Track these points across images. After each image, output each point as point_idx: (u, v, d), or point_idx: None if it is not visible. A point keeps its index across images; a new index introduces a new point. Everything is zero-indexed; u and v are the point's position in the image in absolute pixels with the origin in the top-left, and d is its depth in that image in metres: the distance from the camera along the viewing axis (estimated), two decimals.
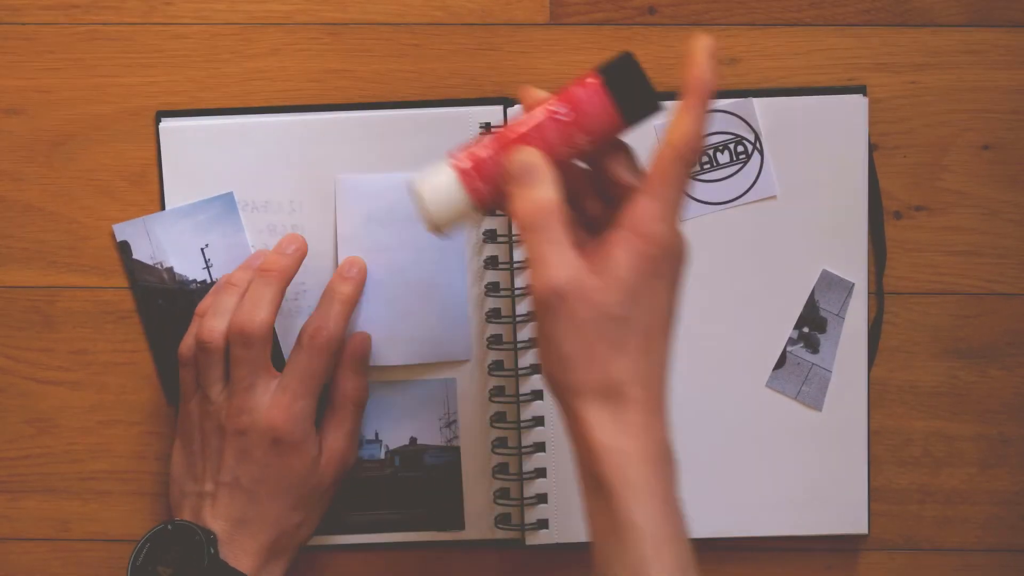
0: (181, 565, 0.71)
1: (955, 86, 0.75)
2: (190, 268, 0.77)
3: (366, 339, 0.76)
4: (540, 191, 0.59)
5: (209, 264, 0.77)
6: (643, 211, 0.59)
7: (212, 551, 0.70)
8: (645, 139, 0.75)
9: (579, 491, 0.61)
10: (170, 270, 0.77)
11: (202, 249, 0.76)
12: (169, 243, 0.76)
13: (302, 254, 0.75)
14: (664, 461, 0.60)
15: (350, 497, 0.78)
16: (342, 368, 0.75)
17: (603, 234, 0.60)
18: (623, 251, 0.59)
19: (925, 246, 0.77)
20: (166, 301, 0.77)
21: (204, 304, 0.74)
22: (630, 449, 0.59)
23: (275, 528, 0.73)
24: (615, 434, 0.59)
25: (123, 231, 0.77)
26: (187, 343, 0.74)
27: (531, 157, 0.60)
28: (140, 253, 0.77)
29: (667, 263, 0.60)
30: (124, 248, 0.77)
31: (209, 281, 0.76)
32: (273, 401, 0.72)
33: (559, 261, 0.58)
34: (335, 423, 0.75)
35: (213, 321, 0.72)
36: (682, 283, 0.62)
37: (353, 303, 0.74)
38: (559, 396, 0.61)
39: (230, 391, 0.72)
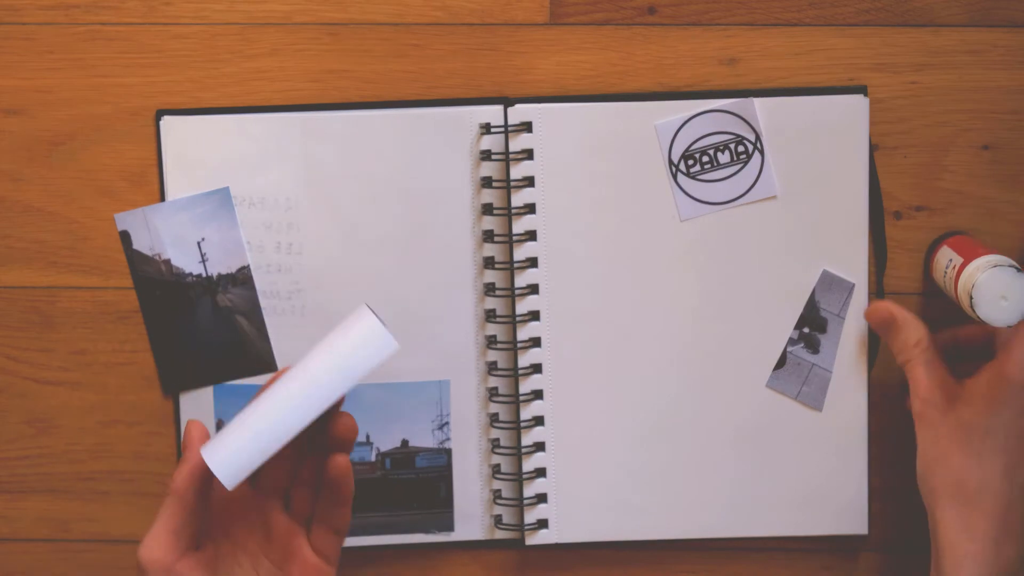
0: None
1: (955, 86, 0.75)
2: (187, 261, 0.77)
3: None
4: (904, 334, 0.71)
5: (205, 258, 0.77)
6: (1018, 351, 0.68)
7: None
8: (649, 142, 0.75)
9: None
10: (168, 262, 0.77)
11: (198, 243, 0.77)
12: (167, 235, 0.77)
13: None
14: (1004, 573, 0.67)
15: None
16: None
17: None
18: (988, 372, 0.68)
19: (925, 246, 0.77)
20: (164, 293, 0.77)
21: None
22: (971, 552, 0.67)
23: None
24: (959, 534, 0.68)
25: (124, 220, 0.77)
26: None
27: (884, 313, 0.72)
28: (140, 243, 0.77)
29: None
30: (125, 238, 0.77)
31: (204, 275, 0.77)
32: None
33: (925, 379, 0.70)
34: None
35: None
36: None
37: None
38: (923, 495, 0.70)
39: None
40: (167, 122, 0.76)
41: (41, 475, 0.79)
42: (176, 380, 0.78)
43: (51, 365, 0.79)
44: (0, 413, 0.79)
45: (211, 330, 0.77)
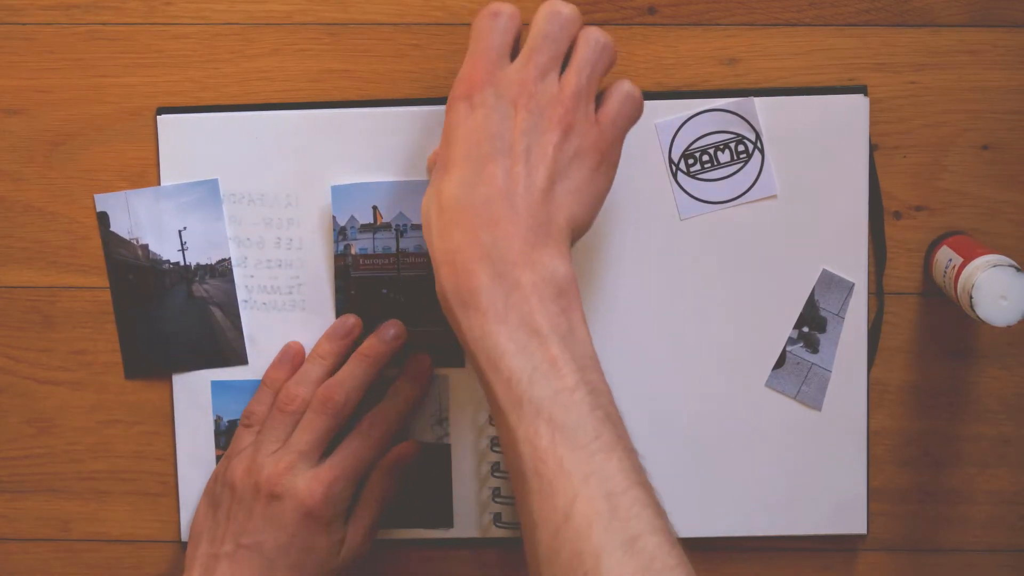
0: None
1: (955, 86, 0.75)
2: (165, 249, 0.77)
3: (414, 448, 0.77)
4: None
5: (184, 247, 0.77)
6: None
7: None
8: (649, 141, 0.75)
9: None
10: (145, 247, 0.77)
11: (179, 231, 0.77)
12: (148, 221, 0.77)
13: (401, 342, 0.75)
14: None
15: None
16: (381, 468, 0.75)
17: None
18: None
19: (925, 246, 0.77)
20: (136, 277, 0.77)
21: (251, 406, 0.76)
22: None
23: None
24: None
25: (104, 202, 0.77)
26: (259, 404, 0.75)
27: None
28: (118, 226, 0.77)
29: None
30: (103, 219, 0.77)
31: (182, 264, 0.77)
32: (315, 475, 0.72)
33: None
34: (359, 516, 0.75)
35: (297, 389, 0.74)
36: None
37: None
38: None
39: (282, 454, 0.72)
40: (165, 120, 0.76)
41: (41, 475, 0.80)
42: (140, 365, 0.78)
43: (51, 365, 0.79)
44: (0, 413, 0.79)
45: (181, 319, 0.77)
